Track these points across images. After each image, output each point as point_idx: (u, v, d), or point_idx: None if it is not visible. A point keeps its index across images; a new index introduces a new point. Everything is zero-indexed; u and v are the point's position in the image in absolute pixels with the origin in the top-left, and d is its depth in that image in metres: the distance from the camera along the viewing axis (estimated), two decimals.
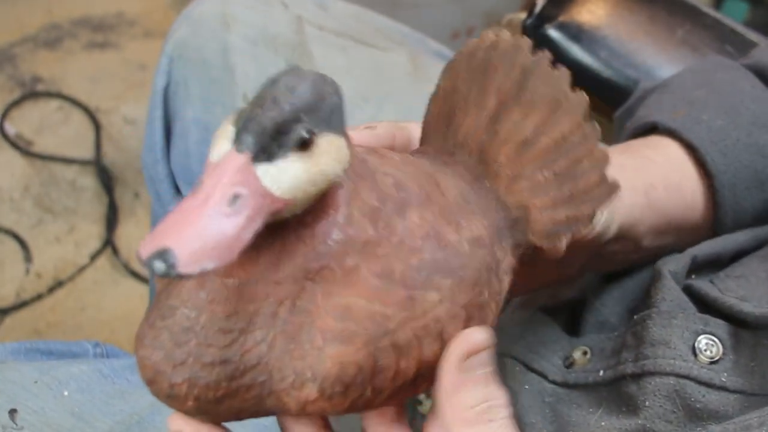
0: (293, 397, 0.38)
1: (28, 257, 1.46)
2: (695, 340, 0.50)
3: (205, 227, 0.32)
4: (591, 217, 0.45)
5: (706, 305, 0.53)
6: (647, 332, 0.51)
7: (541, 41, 0.84)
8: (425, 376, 0.40)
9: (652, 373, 0.50)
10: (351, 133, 0.43)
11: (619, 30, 0.84)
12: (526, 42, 0.45)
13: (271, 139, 0.34)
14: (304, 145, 0.34)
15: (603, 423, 0.51)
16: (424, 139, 0.49)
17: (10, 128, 1.59)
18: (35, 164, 1.56)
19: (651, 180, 0.55)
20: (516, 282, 0.45)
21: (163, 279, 0.40)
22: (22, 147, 1.57)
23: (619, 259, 0.55)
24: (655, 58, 0.83)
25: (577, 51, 0.84)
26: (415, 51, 0.84)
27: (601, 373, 0.53)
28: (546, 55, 0.45)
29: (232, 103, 0.79)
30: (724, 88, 0.60)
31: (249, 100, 0.35)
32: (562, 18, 0.86)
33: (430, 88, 0.48)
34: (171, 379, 0.37)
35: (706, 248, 0.56)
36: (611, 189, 0.45)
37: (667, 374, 0.49)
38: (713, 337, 0.50)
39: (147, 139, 0.86)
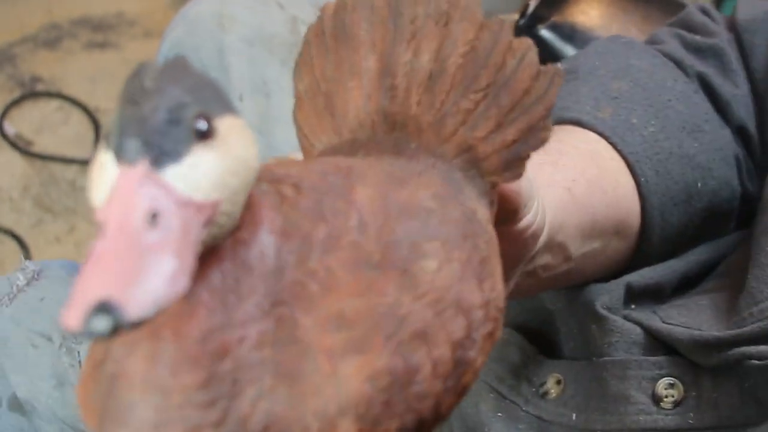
0: None
1: (27, 257, 1.46)
2: (654, 387, 0.49)
3: (138, 261, 0.25)
4: (546, 119, 0.38)
5: (656, 338, 0.51)
6: (606, 385, 0.50)
7: (535, 42, 0.84)
8: (463, 362, 0.32)
9: (620, 430, 0.49)
10: None
11: (612, 30, 0.83)
12: None
13: (163, 135, 0.27)
14: (205, 132, 0.27)
15: None
16: (309, 155, 0.40)
17: (9, 128, 1.59)
18: (35, 164, 1.56)
19: (572, 174, 0.50)
20: None
21: (94, 401, 0.31)
22: (21, 147, 1.57)
23: (549, 276, 0.50)
24: None
25: (570, 51, 0.83)
26: None
27: (574, 417, 0.51)
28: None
29: None
30: (646, 82, 0.56)
31: (120, 103, 0.28)
32: (555, 18, 0.86)
33: None
34: None
35: (643, 276, 0.54)
36: (554, 75, 0.38)
37: (634, 431, 0.48)
38: (672, 379, 0.49)
39: None
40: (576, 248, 0.50)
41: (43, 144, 1.59)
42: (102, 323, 0.24)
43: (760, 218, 0.52)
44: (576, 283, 0.53)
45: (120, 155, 0.26)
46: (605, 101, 0.55)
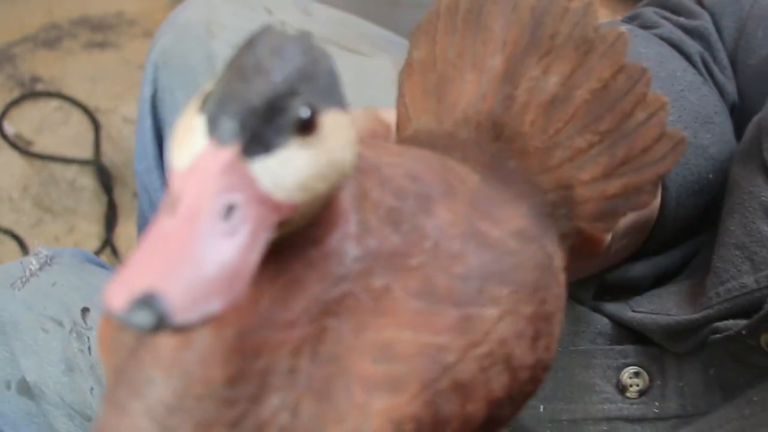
0: None
1: None
2: (619, 376, 0.49)
3: (199, 255, 0.23)
4: (656, 184, 0.36)
5: (622, 327, 0.51)
6: (572, 374, 0.50)
7: None
8: (494, 420, 0.31)
9: (585, 419, 0.49)
10: None
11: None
12: None
13: (263, 122, 0.25)
14: (307, 126, 0.25)
15: None
16: (403, 127, 0.38)
17: (9, 128, 1.60)
18: (34, 164, 1.57)
19: None
20: None
21: (118, 342, 0.30)
22: (21, 147, 1.58)
23: (587, 268, 0.50)
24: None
25: None
26: (398, 57, 0.84)
27: (541, 408, 0.51)
28: None
29: None
30: (658, 71, 0.55)
31: (226, 70, 0.26)
32: None
33: None
34: None
35: (621, 270, 0.54)
36: (677, 143, 0.36)
37: (599, 420, 0.49)
38: (637, 368, 0.49)
39: (138, 147, 0.87)
40: (614, 248, 0.50)
41: (43, 144, 1.59)
42: (144, 318, 0.22)
43: (726, 199, 0.52)
44: (589, 274, 0.53)
45: (213, 131, 0.24)
46: None
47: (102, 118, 1.63)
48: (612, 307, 0.52)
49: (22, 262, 0.68)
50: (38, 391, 0.63)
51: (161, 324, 0.22)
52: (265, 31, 0.26)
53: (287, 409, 0.27)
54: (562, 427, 0.50)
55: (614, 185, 0.35)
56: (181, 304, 0.22)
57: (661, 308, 0.50)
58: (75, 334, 0.64)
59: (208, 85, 0.26)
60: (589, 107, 0.35)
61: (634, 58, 0.56)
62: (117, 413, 0.28)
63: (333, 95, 0.27)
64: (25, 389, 0.63)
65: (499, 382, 0.30)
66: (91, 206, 1.55)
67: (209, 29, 0.80)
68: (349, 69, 0.82)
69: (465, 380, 0.29)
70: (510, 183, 0.34)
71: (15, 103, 1.63)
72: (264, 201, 0.25)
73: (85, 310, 0.65)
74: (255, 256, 0.24)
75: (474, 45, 0.36)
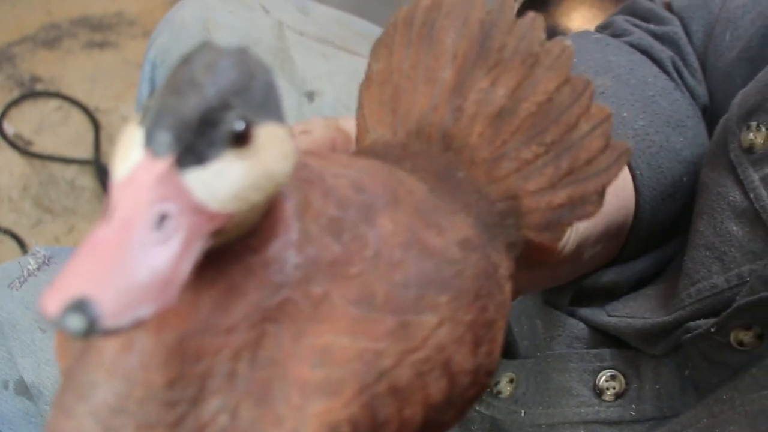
0: None
1: None
2: (595, 380, 0.49)
3: (131, 262, 0.24)
4: (601, 194, 0.37)
5: (598, 331, 0.52)
6: (549, 378, 0.50)
7: None
8: (434, 425, 0.32)
9: (563, 423, 0.49)
10: None
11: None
12: None
13: (196, 135, 0.25)
14: (241, 138, 0.26)
15: None
16: (361, 138, 0.39)
17: (9, 128, 1.60)
18: (34, 164, 1.57)
19: None
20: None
21: (71, 345, 0.31)
22: (21, 147, 1.58)
23: (561, 277, 0.50)
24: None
25: None
26: None
27: (522, 413, 0.52)
28: (508, 2, 0.37)
29: None
30: (628, 78, 0.56)
31: (163, 86, 0.26)
32: None
33: None
34: None
35: (598, 276, 0.54)
36: (621, 153, 0.37)
37: (577, 423, 0.49)
38: (613, 371, 0.49)
39: None
40: (588, 254, 0.50)
41: (43, 144, 1.60)
42: (75, 322, 0.23)
43: (696, 201, 0.52)
44: (563, 281, 0.53)
45: (149, 143, 0.25)
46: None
47: (102, 118, 1.64)
48: (588, 312, 0.52)
49: (20, 262, 0.67)
50: (36, 391, 0.62)
51: (92, 329, 0.23)
52: (202, 47, 0.27)
53: (227, 412, 0.28)
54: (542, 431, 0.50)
55: (560, 196, 0.36)
56: (112, 310, 0.23)
57: (636, 312, 0.51)
58: None
59: (149, 100, 0.26)
60: (535, 119, 0.36)
61: (604, 66, 0.56)
62: (63, 416, 0.28)
63: (269, 108, 0.27)
64: (23, 389, 0.62)
65: (437, 387, 0.31)
66: (91, 206, 1.55)
67: (206, 28, 0.80)
68: (345, 69, 0.82)
69: (401, 385, 0.30)
70: (458, 193, 0.35)
71: (15, 103, 1.63)
72: (197, 211, 0.25)
73: None
74: (188, 263, 0.25)
75: (427, 58, 0.37)
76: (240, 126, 0.26)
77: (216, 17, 0.80)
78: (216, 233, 0.26)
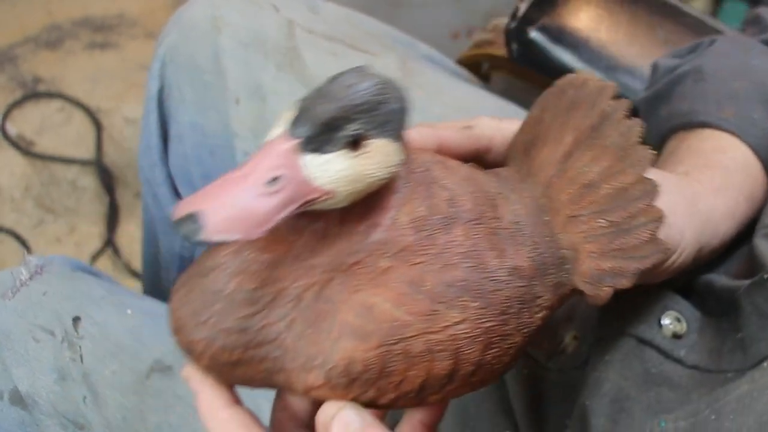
0: (300, 379, 0.39)
1: None
2: (662, 314, 0.52)
3: (239, 200, 0.34)
4: (635, 275, 0.44)
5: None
6: (619, 301, 0.52)
7: (524, 44, 0.85)
8: (431, 390, 0.41)
9: (616, 333, 0.51)
10: (446, 132, 0.48)
11: (601, 32, 0.85)
12: (611, 87, 0.47)
13: (321, 132, 0.36)
14: (354, 144, 0.36)
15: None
16: (507, 160, 0.49)
17: (11, 128, 1.60)
18: (36, 164, 1.57)
19: (737, 196, 0.55)
20: None
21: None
22: (23, 147, 1.58)
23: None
24: (636, 59, 0.84)
25: (559, 53, 0.85)
26: (404, 55, 0.84)
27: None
28: (624, 104, 0.46)
29: (225, 107, 0.80)
30: (764, 81, 0.60)
31: (314, 90, 0.37)
32: (544, 21, 0.87)
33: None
34: (191, 335, 0.40)
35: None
36: (660, 250, 0.45)
37: (630, 336, 0.51)
38: (680, 315, 0.52)
39: (143, 142, 0.87)
40: (707, 255, 0.54)
41: (45, 144, 1.60)
42: (186, 228, 0.34)
43: None
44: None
45: (290, 126, 0.36)
46: (726, 101, 0.59)
47: (103, 119, 1.64)
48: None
49: (12, 272, 0.67)
50: (31, 401, 0.63)
51: (193, 236, 0.33)
52: (357, 68, 0.38)
53: (285, 322, 0.39)
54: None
55: (606, 263, 0.45)
56: (212, 227, 0.34)
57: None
58: (67, 344, 0.64)
59: (305, 96, 0.37)
60: (609, 200, 0.45)
61: (745, 69, 0.61)
62: (185, 279, 0.40)
63: (387, 128, 0.37)
64: (18, 399, 0.63)
65: (441, 364, 0.40)
66: (93, 206, 1.55)
67: (216, 26, 0.80)
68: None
69: (413, 352, 0.39)
70: (538, 230, 0.44)
71: (17, 103, 1.63)
72: (303, 182, 0.36)
73: (76, 320, 0.65)
74: (279, 216, 0.35)
75: (561, 122, 0.47)
76: (354, 135, 0.36)
77: (225, 15, 0.80)
78: (312, 201, 0.36)
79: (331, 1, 0.88)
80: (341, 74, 0.37)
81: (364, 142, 0.36)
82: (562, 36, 0.85)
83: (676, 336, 0.51)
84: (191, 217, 0.34)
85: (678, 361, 0.50)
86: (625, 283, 0.44)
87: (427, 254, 0.40)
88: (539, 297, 0.43)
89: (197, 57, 0.80)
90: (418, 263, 0.40)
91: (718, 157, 0.57)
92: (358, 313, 0.39)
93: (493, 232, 0.42)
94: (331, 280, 0.39)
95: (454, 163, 0.44)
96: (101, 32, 1.77)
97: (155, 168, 0.86)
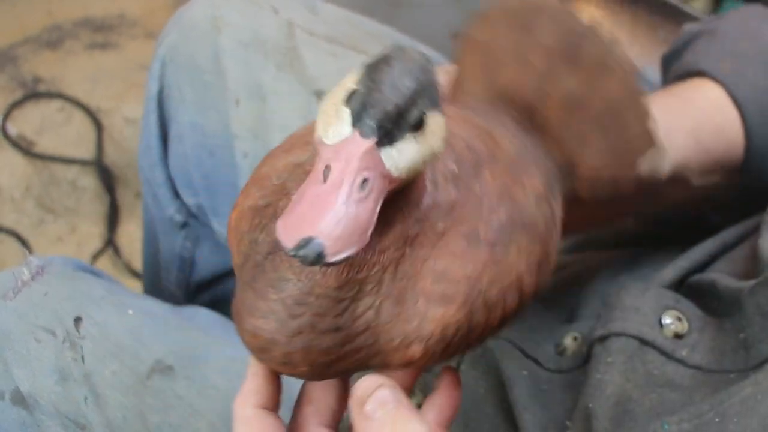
0: (399, 356, 0.41)
1: None
2: (663, 313, 0.52)
3: (343, 213, 0.34)
4: (634, 166, 0.48)
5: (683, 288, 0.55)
6: (620, 300, 0.53)
7: None
8: (507, 321, 0.44)
9: (618, 334, 0.52)
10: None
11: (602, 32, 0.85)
12: (572, 6, 0.49)
13: (392, 124, 0.36)
14: (417, 127, 0.37)
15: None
16: (456, 91, 0.51)
17: (11, 129, 1.60)
18: (36, 164, 1.57)
19: (697, 121, 0.58)
20: (568, 223, 0.48)
21: (259, 251, 0.42)
22: (23, 147, 1.58)
23: (670, 199, 0.58)
24: (638, 59, 0.84)
25: None
26: None
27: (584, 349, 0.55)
28: (599, 23, 0.47)
29: (225, 107, 0.80)
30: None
31: (359, 79, 0.37)
32: None
33: None
34: (286, 348, 0.40)
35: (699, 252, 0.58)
36: (657, 150, 0.48)
37: (632, 336, 0.51)
38: (681, 315, 0.52)
39: (143, 142, 0.87)
40: (698, 181, 0.58)
41: (45, 144, 1.60)
42: (309, 255, 0.34)
43: None
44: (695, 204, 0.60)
45: (358, 125, 0.36)
46: (728, 57, 0.61)
47: (104, 119, 1.64)
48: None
49: (13, 273, 0.68)
50: (32, 401, 0.63)
51: (318, 261, 0.34)
52: (399, 52, 0.37)
53: (373, 309, 0.40)
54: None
55: (604, 163, 0.48)
56: (332, 249, 0.34)
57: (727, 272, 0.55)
58: (68, 344, 0.65)
59: (349, 82, 0.37)
60: (598, 110, 0.47)
61: (755, 33, 0.63)
62: (257, 297, 0.40)
63: (435, 102, 0.38)
64: (19, 399, 0.63)
65: (512, 302, 0.43)
66: (93, 206, 1.55)
67: (216, 26, 0.80)
68: (355, 68, 0.82)
69: (492, 301, 0.42)
70: (533, 150, 0.46)
71: (17, 103, 1.63)
72: (386, 176, 0.36)
73: (77, 320, 0.65)
74: (375, 215, 0.36)
75: (524, 44, 0.48)
76: (419, 118, 0.36)
77: (225, 15, 0.80)
78: (392, 190, 0.37)
79: (330, 1, 0.88)
80: (387, 59, 0.37)
81: (424, 122, 0.37)
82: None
83: (678, 336, 0.51)
84: (309, 244, 0.34)
85: (680, 361, 0.51)
86: (626, 175, 0.47)
87: (470, 205, 0.42)
88: (555, 213, 0.46)
89: (197, 57, 0.80)
90: (467, 216, 0.42)
91: (689, 93, 0.60)
92: (435, 280, 0.40)
93: (507, 165, 0.44)
94: (402, 257, 0.40)
95: (447, 108, 0.45)
96: (101, 32, 1.77)
97: (155, 168, 0.86)
